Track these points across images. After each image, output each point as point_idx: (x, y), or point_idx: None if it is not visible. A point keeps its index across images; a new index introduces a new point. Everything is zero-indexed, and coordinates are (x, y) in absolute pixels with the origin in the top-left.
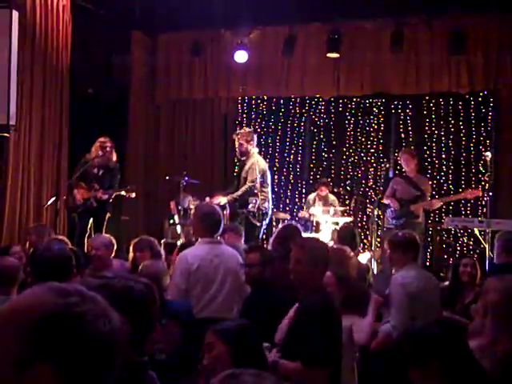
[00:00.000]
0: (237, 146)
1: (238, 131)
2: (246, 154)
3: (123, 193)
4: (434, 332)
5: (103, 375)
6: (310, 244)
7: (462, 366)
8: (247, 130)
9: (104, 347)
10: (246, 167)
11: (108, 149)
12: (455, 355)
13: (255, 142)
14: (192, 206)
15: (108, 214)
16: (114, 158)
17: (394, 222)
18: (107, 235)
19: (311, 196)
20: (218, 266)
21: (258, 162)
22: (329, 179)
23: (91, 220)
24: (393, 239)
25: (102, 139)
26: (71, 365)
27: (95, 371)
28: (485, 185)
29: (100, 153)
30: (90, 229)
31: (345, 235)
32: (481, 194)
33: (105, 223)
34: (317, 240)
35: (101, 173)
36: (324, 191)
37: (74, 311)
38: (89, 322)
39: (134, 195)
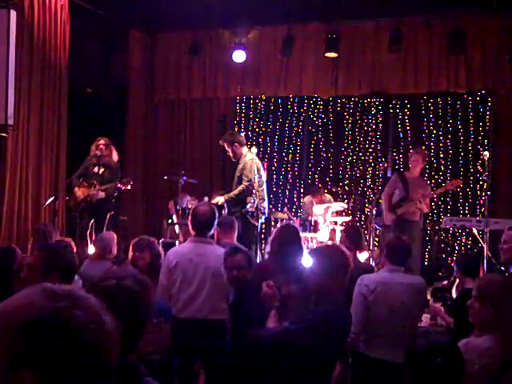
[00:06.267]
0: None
1: (222, 138)
2: (237, 155)
3: (119, 185)
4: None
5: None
6: (325, 252)
7: None
8: (229, 132)
9: (95, 354)
10: (240, 166)
11: (102, 147)
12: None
13: (243, 141)
14: (190, 206)
15: (111, 212)
16: (115, 157)
17: (381, 229)
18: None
19: (307, 199)
20: (198, 265)
21: (252, 161)
22: (327, 179)
23: (92, 219)
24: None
25: (98, 138)
26: (58, 373)
27: (86, 380)
28: (483, 184)
29: (98, 152)
30: (91, 227)
31: (352, 234)
32: (461, 183)
33: (106, 222)
34: (335, 247)
35: (101, 171)
36: (318, 198)
37: (61, 316)
38: (78, 328)
39: (129, 187)
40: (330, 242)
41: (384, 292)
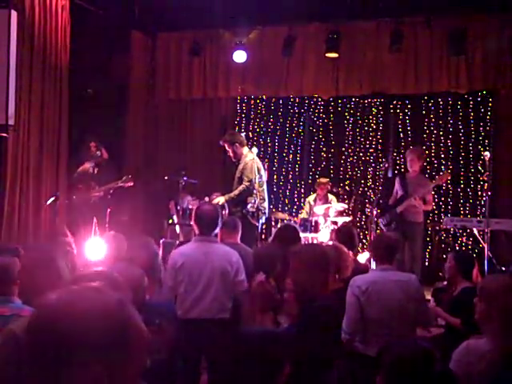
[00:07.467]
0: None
1: (222, 138)
2: (238, 156)
3: (120, 184)
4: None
5: None
6: (306, 252)
7: None
8: (229, 133)
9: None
10: (240, 167)
11: (93, 149)
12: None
13: (243, 142)
14: (191, 206)
15: (109, 209)
16: (105, 155)
17: (385, 228)
18: None
19: (311, 197)
20: (204, 265)
21: (253, 161)
22: (327, 179)
23: (94, 217)
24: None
25: (89, 141)
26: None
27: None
28: (483, 184)
29: (97, 153)
30: (94, 226)
31: (343, 235)
32: (449, 176)
33: (107, 218)
34: (314, 245)
35: (96, 171)
36: (324, 190)
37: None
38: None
39: (131, 183)
40: (330, 243)
41: (377, 291)
